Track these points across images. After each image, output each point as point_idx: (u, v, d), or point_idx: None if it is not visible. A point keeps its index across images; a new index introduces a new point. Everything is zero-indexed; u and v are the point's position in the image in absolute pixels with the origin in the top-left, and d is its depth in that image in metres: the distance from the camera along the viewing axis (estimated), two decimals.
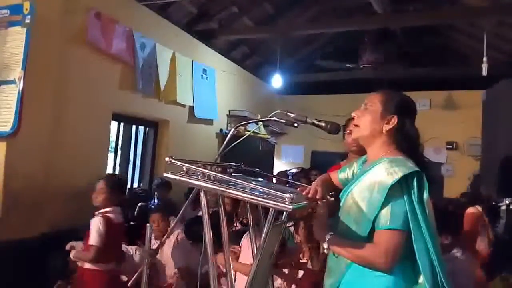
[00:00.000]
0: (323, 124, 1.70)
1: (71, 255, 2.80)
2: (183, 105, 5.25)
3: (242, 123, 1.88)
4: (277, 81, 6.67)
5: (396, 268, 1.42)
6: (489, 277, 2.54)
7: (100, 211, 2.82)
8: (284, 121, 1.76)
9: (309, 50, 7.64)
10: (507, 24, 5.38)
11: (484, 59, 4.34)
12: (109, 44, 3.99)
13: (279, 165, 8.12)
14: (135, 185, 4.90)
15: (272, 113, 1.79)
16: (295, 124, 1.74)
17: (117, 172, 4.60)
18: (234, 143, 1.84)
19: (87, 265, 2.75)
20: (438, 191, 6.09)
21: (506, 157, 1.85)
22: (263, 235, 1.55)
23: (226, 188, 1.46)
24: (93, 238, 2.68)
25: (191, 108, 5.41)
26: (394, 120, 1.56)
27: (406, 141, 1.55)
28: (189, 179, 1.51)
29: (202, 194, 1.53)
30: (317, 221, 1.62)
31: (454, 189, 5.80)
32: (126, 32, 4.22)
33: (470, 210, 3.54)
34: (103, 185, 2.85)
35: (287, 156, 8.41)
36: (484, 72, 4.31)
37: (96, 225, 2.71)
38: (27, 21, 3.08)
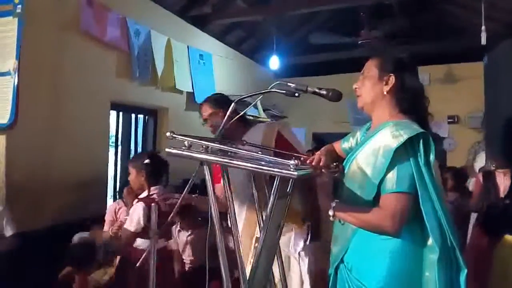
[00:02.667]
0: (324, 92, 1.67)
1: None
2: (181, 92, 5.22)
3: (243, 95, 1.86)
4: (274, 63, 6.61)
5: (404, 231, 1.41)
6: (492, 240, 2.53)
7: None
8: (284, 91, 1.73)
9: (305, 30, 7.55)
10: None
11: (483, 27, 4.28)
12: (103, 32, 3.94)
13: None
14: None
15: (272, 84, 1.76)
16: (296, 94, 1.71)
17: (119, 162, 4.59)
18: (234, 119, 1.83)
19: None
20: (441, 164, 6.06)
21: (508, 119, 1.85)
22: (269, 205, 1.54)
23: (230, 159, 1.44)
24: None
25: (189, 95, 5.37)
26: (392, 79, 1.55)
27: (408, 95, 1.53)
28: (192, 152, 1.50)
29: (205, 167, 1.52)
30: (321, 189, 1.61)
31: (457, 162, 5.80)
32: (119, 20, 4.16)
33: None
34: None
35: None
36: (483, 41, 4.26)
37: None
38: (18, 10, 3.03)
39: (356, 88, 1.65)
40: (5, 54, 3.04)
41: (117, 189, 4.55)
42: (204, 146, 1.54)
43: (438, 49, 6.79)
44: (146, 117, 5.04)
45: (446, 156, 6.89)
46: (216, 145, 1.49)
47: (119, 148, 4.65)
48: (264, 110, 6.80)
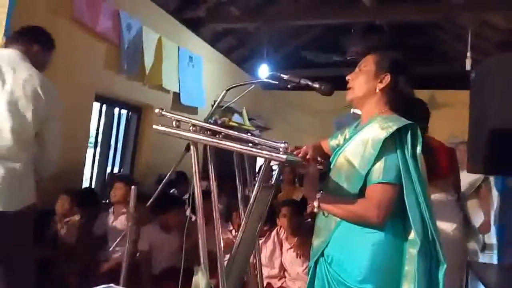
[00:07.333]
0: (317, 85, 1.68)
1: None
2: (168, 91, 5.17)
3: (234, 85, 1.86)
4: (263, 73, 6.61)
5: (387, 224, 1.40)
6: None
7: None
8: (277, 82, 1.74)
9: (296, 44, 7.64)
10: (489, 25, 5.50)
11: (468, 54, 4.41)
12: (95, 21, 3.90)
13: (262, 161, 8.07)
14: (116, 170, 4.79)
15: (266, 76, 1.78)
16: (288, 86, 1.73)
17: (97, 154, 4.50)
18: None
19: None
20: None
21: (494, 129, 1.88)
22: (254, 192, 1.52)
23: (219, 140, 1.42)
24: None
25: (176, 95, 5.32)
26: (387, 78, 1.56)
27: (399, 99, 1.55)
28: (180, 131, 1.47)
29: (192, 148, 1.50)
30: (307, 181, 1.60)
31: None
32: (112, 11, 4.13)
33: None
34: None
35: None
36: (468, 67, 4.38)
37: None
38: None
39: (349, 79, 1.66)
40: None
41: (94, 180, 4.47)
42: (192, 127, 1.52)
43: (423, 74, 6.93)
44: (130, 113, 4.97)
45: None
46: (205, 125, 1.47)
47: (99, 140, 4.55)
48: (249, 120, 6.79)
